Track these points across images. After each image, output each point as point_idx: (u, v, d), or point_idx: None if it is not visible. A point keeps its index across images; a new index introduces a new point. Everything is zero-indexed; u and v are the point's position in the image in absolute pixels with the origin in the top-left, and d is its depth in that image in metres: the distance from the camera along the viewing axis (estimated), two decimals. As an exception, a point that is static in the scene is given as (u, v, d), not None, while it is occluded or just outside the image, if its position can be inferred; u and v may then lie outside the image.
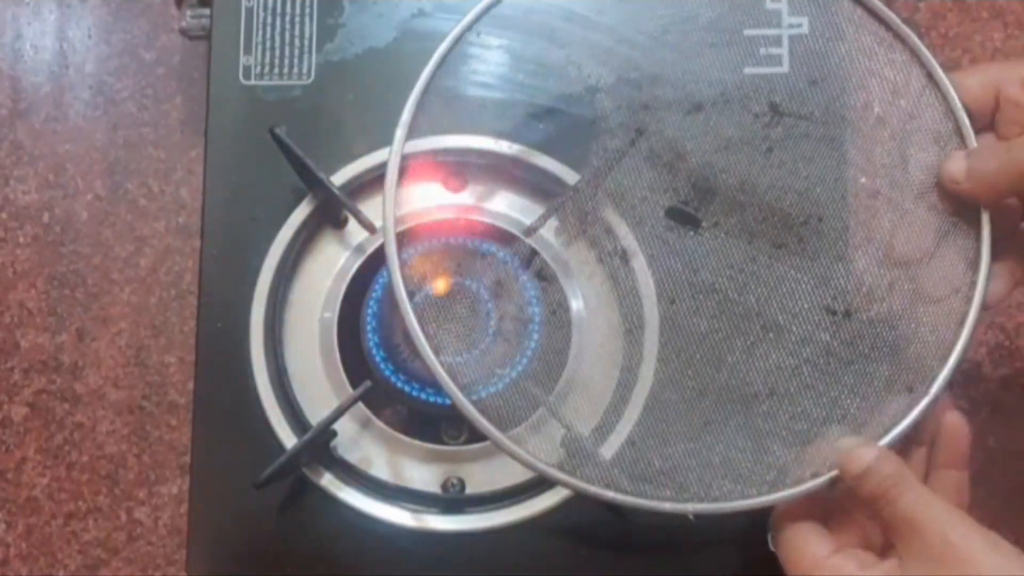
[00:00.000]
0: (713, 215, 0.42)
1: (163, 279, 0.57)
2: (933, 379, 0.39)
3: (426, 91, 0.40)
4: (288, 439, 0.44)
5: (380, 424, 0.46)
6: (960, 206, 0.40)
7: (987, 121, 0.40)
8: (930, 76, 0.41)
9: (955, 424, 0.39)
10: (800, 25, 0.42)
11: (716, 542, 0.44)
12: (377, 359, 0.46)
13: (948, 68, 0.41)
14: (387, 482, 0.45)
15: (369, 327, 0.46)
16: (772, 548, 0.39)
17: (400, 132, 0.40)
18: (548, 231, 0.46)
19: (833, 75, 0.41)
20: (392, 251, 0.39)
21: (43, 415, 0.56)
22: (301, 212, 0.46)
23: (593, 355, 0.45)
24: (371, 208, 0.46)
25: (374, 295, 0.46)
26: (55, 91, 0.59)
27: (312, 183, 0.45)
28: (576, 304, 0.46)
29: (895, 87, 0.41)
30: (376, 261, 0.46)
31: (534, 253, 0.45)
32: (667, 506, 0.38)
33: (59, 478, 0.55)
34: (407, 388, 0.46)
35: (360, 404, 0.45)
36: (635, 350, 0.44)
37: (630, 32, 0.42)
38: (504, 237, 0.46)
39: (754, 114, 0.41)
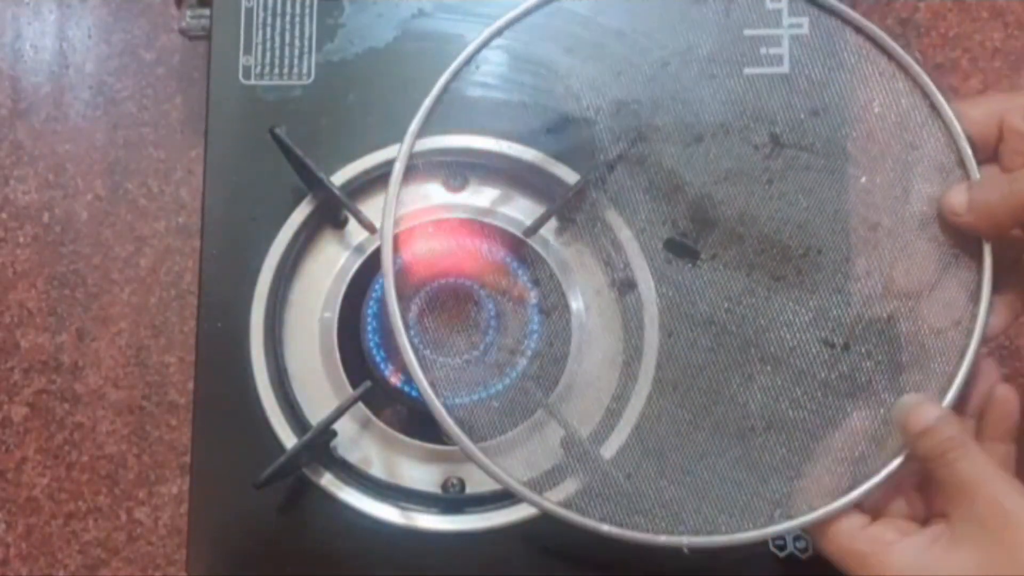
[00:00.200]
0: (712, 247, 0.42)
1: (163, 279, 0.57)
2: None
3: (433, 107, 0.40)
4: (288, 439, 0.44)
5: (380, 424, 0.46)
6: (961, 238, 0.39)
7: (991, 152, 0.40)
8: (933, 106, 0.40)
9: (1006, 396, 0.39)
10: (800, 25, 0.42)
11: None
12: (377, 359, 0.46)
13: (950, 96, 0.41)
14: (387, 482, 0.45)
15: (369, 327, 0.46)
16: (801, 532, 0.39)
17: (399, 165, 0.40)
18: (548, 231, 0.46)
19: (834, 105, 0.41)
20: (388, 262, 0.39)
21: (43, 415, 0.56)
22: (301, 212, 0.46)
23: (593, 360, 0.45)
24: (371, 208, 0.46)
25: (374, 295, 0.46)
26: (55, 91, 0.59)
27: (312, 183, 0.45)
28: (576, 304, 0.46)
29: (898, 117, 0.40)
30: (376, 261, 0.46)
31: (534, 253, 0.45)
32: (662, 539, 0.38)
33: (59, 478, 0.55)
34: (407, 388, 0.46)
35: (360, 404, 0.45)
36: (630, 381, 0.43)
37: (631, 61, 0.42)
38: (504, 237, 0.46)
39: (754, 145, 0.41)
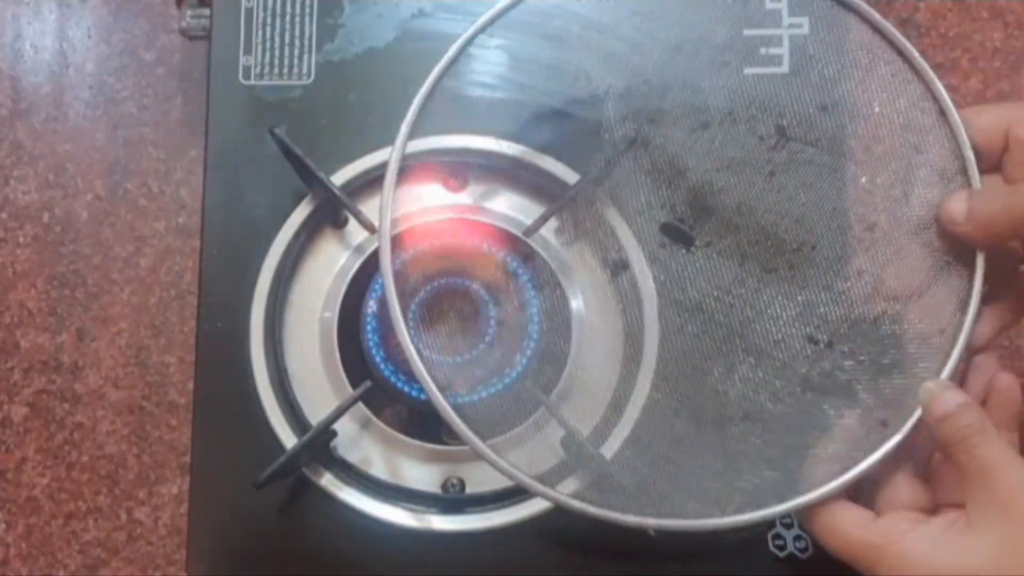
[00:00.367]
0: (707, 234, 0.42)
1: (163, 279, 0.57)
2: (908, 416, 0.38)
3: (426, 100, 0.40)
4: (288, 439, 0.44)
5: (380, 424, 0.46)
6: (956, 245, 0.39)
7: (995, 161, 0.40)
8: (942, 111, 0.40)
9: (1007, 385, 0.39)
10: (800, 25, 0.42)
11: (718, 544, 0.44)
12: (377, 359, 0.46)
13: (959, 104, 0.40)
14: (387, 482, 0.45)
15: (369, 327, 0.46)
16: (804, 533, 0.39)
17: (395, 159, 0.39)
18: (548, 231, 0.46)
19: (843, 102, 0.41)
20: (386, 264, 0.39)
21: (43, 415, 0.56)
22: (301, 212, 0.46)
23: (593, 357, 0.45)
24: (371, 208, 0.46)
25: (374, 295, 0.46)
26: (55, 91, 0.59)
27: (312, 183, 0.45)
28: (576, 304, 0.46)
29: (905, 119, 0.40)
30: (376, 261, 0.46)
31: (534, 253, 0.45)
32: (630, 519, 0.37)
33: (59, 478, 0.55)
34: (407, 388, 0.46)
35: (360, 404, 0.45)
36: (630, 377, 0.44)
37: (643, 44, 0.41)
38: (504, 237, 0.46)
39: (760, 136, 0.41)
